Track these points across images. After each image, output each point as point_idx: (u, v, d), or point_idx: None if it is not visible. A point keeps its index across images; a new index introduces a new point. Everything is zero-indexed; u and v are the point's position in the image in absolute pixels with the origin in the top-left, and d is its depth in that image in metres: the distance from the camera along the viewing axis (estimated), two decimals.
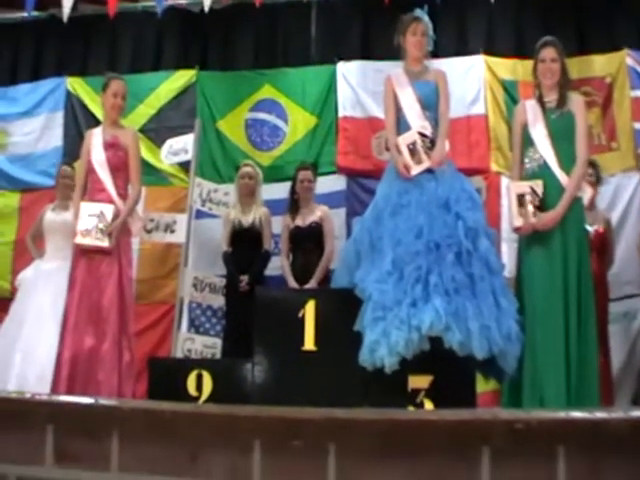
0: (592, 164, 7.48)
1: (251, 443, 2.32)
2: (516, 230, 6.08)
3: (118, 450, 2.44)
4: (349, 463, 2.27)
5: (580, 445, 2.18)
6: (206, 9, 8.98)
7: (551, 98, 6.12)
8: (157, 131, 9.72)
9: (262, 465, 2.32)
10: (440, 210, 5.61)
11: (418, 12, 6.24)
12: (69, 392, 6.25)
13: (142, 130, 9.29)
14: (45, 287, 7.95)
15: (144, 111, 9.88)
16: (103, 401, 2.70)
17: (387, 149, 7.52)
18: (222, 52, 10.34)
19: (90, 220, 6.69)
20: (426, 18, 6.23)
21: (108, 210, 6.73)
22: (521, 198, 5.92)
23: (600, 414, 2.23)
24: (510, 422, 2.18)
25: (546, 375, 5.59)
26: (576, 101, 6.18)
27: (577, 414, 2.23)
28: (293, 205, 8.25)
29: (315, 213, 8.15)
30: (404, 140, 5.93)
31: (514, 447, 2.19)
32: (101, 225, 6.67)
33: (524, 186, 5.97)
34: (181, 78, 9.98)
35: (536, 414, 2.24)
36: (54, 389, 6.38)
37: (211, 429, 2.39)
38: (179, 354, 8.19)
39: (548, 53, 6.14)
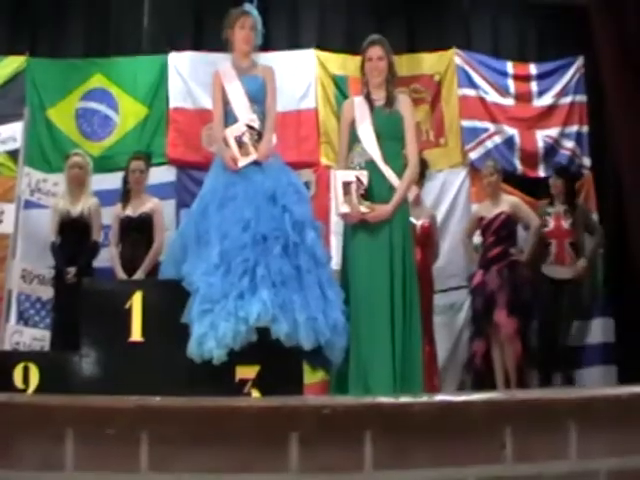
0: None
1: (64, 432, 2.33)
2: (343, 216, 6.13)
3: None
4: (161, 450, 2.30)
5: (386, 428, 2.27)
6: None
7: (379, 96, 6.23)
8: None
9: (75, 453, 2.33)
10: (267, 203, 5.66)
11: (247, 6, 6.24)
12: None
13: None
14: None
15: None
16: None
17: None
18: (52, 38, 10.07)
19: None
20: (255, 12, 6.23)
21: None
22: (347, 186, 5.98)
23: (404, 399, 2.32)
24: (318, 408, 2.25)
25: (371, 365, 5.69)
26: (404, 102, 6.31)
27: (383, 399, 2.32)
28: (125, 195, 8.17)
29: (146, 204, 8.09)
30: (232, 132, 5.94)
31: (322, 432, 2.25)
32: None
33: (350, 174, 6.05)
34: (10, 65, 9.67)
35: (343, 400, 2.32)
36: None
37: (24, 418, 2.38)
38: (7, 347, 8.04)
39: (375, 52, 6.23)
